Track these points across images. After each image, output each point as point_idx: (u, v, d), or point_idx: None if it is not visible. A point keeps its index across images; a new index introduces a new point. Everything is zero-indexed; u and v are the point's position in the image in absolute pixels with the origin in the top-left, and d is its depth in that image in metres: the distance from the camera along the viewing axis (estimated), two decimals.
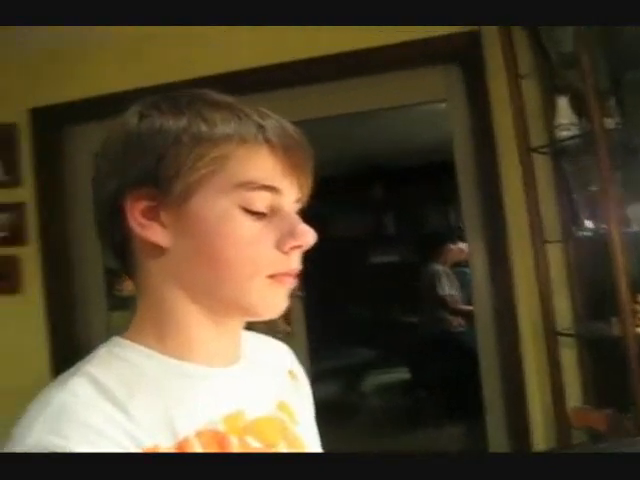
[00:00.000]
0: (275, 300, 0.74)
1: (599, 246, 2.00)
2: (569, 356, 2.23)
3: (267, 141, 0.71)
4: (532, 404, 2.29)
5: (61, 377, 0.68)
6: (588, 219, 2.12)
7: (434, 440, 4.10)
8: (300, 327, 2.70)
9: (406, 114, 3.88)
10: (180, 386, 0.71)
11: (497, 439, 2.42)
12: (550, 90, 2.21)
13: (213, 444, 0.69)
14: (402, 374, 5.33)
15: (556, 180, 2.26)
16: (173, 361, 0.72)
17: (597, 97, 1.92)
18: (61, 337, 2.68)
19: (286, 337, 2.47)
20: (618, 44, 2.01)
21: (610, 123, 1.98)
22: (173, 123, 0.70)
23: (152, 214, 0.71)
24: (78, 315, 2.74)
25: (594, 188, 2.05)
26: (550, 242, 2.18)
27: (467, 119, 2.43)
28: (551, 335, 2.15)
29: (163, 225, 0.71)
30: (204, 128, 0.69)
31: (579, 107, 2.04)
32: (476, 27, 2.30)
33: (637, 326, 1.89)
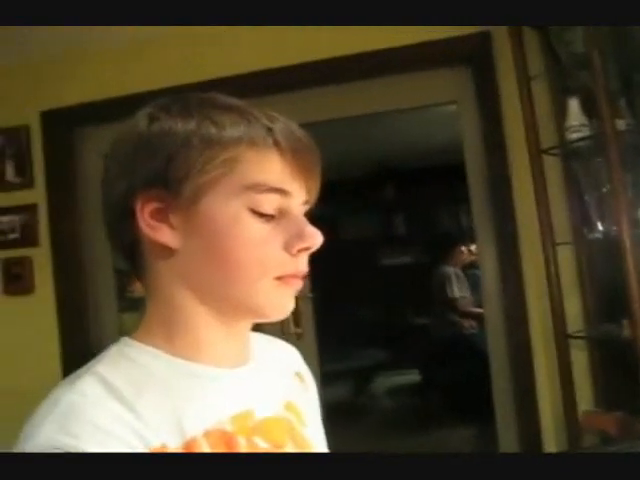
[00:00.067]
0: (282, 301, 0.75)
1: (610, 248, 1.99)
2: (580, 358, 2.22)
3: (276, 144, 0.71)
4: (543, 406, 2.28)
5: (70, 377, 0.69)
6: (599, 221, 2.11)
7: (444, 442, 4.08)
8: (310, 329, 2.70)
9: (417, 116, 3.88)
10: (188, 386, 0.71)
11: (507, 442, 2.41)
12: (561, 91, 2.21)
13: (221, 444, 0.69)
14: (413, 376, 5.32)
15: (567, 182, 2.25)
16: (181, 361, 0.72)
17: (608, 98, 1.91)
18: (73, 338, 2.69)
19: (296, 339, 2.49)
20: (629, 45, 2.00)
21: (621, 124, 1.97)
22: (182, 126, 0.70)
23: (161, 216, 0.71)
24: (90, 316, 2.76)
25: (605, 190, 2.04)
26: (561, 244, 2.17)
27: (477, 121, 2.43)
28: (562, 337, 2.14)
29: (172, 227, 0.72)
30: (213, 131, 0.70)
31: (590, 108, 2.03)
32: (486, 28, 2.30)
33: None
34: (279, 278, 0.73)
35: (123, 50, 2.64)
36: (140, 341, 0.74)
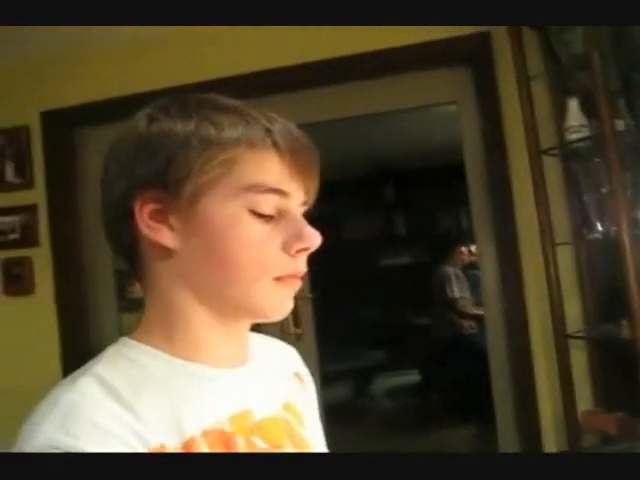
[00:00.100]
0: (281, 301, 0.75)
1: (609, 248, 1.99)
2: (579, 358, 2.22)
3: (275, 145, 0.71)
4: (542, 407, 2.28)
5: (69, 377, 0.69)
6: (598, 221, 2.11)
7: (444, 442, 4.08)
8: (310, 329, 2.70)
9: (417, 116, 3.89)
10: (187, 386, 0.71)
11: (507, 442, 2.41)
12: (560, 92, 2.21)
13: (219, 444, 0.69)
14: (412, 376, 5.32)
15: (566, 182, 2.25)
16: (180, 361, 0.73)
17: (607, 99, 1.91)
18: (73, 338, 2.69)
19: (296, 339, 2.49)
20: (628, 45, 2.00)
21: (620, 125, 1.97)
22: (182, 127, 0.70)
23: (160, 216, 0.72)
24: (90, 316, 2.76)
25: (604, 190, 2.04)
26: (560, 244, 2.17)
27: (477, 121, 2.43)
28: (561, 337, 2.14)
29: (171, 227, 0.72)
30: (212, 132, 0.70)
31: (589, 109, 2.03)
32: (486, 28, 2.30)
33: None
34: (278, 278, 0.73)
35: (123, 50, 2.64)
36: (139, 341, 0.74)
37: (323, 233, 0.75)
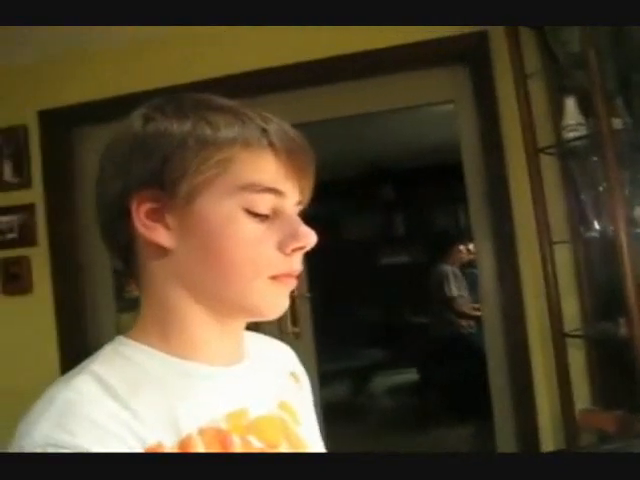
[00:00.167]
0: (276, 300, 0.75)
1: (607, 247, 1.99)
2: (577, 357, 2.22)
3: (270, 144, 0.72)
4: (540, 405, 2.29)
5: (66, 375, 0.69)
6: (596, 219, 2.12)
7: (442, 441, 4.09)
8: (308, 328, 2.70)
9: (414, 115, 3.88)
10: (183, 385, 0.72)
11: (505, 440, 2.41)
12: (557, 91, 2.21)
13: (215, 442, 0.69)
14: (411, 375, 5.33)
15: (564, 181, 2.26)
16: (176, 360, 0.73)
17: (604, 97, 1.91)
18: (71, 337, 2.69)
19: (294, 338, 2.50)
20: (626, 44, 2.00)
21: (618, 123, 1.97)
22: (178, 127, 0.71)
23: (157, 216, 0.72)
24: (88, 316, 2.76)
25: (601, 188, 2.05)
26: (558, 243, 2.17)
27: (474, 120, 2.44)
28: (559, 336, 2.15)
29: (167, 227, 0.72)
30: (209, 132, 0.70)
31: (587, 107, 2.04)
32: (483, 28, 2.30)
33: None
34: (273, 277, 0.73)
35: (123, 50, 2.64)
36: (135, 340, 0.74)
37: (319, 233, 0.75)
